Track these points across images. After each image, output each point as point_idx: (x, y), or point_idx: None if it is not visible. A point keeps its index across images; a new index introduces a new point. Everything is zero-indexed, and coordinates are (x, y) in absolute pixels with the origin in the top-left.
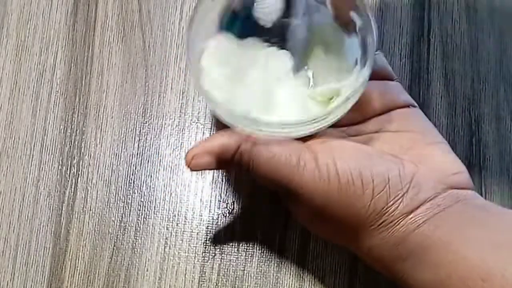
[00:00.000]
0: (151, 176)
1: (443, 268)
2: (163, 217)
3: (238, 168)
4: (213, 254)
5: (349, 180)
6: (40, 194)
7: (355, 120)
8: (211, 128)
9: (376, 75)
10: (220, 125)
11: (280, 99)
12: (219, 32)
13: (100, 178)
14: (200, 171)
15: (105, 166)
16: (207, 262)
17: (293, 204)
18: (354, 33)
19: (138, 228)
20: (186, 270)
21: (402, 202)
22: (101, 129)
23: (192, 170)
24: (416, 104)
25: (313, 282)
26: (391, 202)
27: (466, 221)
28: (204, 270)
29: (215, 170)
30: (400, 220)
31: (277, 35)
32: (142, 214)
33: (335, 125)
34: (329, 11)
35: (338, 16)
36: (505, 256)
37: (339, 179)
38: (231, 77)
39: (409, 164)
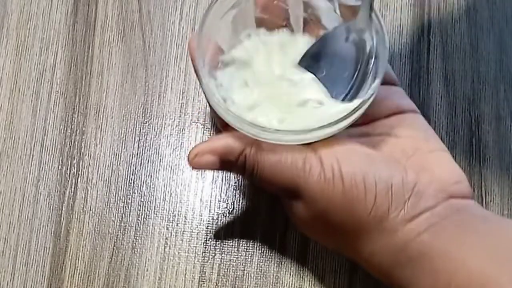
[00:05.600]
0: (151, 176)
1: (442, 276)
2: (163, 217)
3: (241, 171)
4: (213, 254)
5: (352, 184)
6: (40, 194)
7: (359, 122)
8: (211, 128)
9: None
10: (221, 122)
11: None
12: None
13: (100, 178)
14: (201, 171)
15: (105, 166)
16: (207, 262)
17: (294, 209)
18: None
19: (138, 228)
20: (186, 270)
21: (403, 209)
22: (101, 129)
23: (193, 168)
24: (418, 110)
25: (313, 282)
26: (393, 209)
27: (466, 230)
28: (204, 270)
29: (215, 170)
30: (401, 227)
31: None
32: (142, 214)
33: None
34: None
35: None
36: (502, 264)
37: (343, 182)
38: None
39: (412, 172)
